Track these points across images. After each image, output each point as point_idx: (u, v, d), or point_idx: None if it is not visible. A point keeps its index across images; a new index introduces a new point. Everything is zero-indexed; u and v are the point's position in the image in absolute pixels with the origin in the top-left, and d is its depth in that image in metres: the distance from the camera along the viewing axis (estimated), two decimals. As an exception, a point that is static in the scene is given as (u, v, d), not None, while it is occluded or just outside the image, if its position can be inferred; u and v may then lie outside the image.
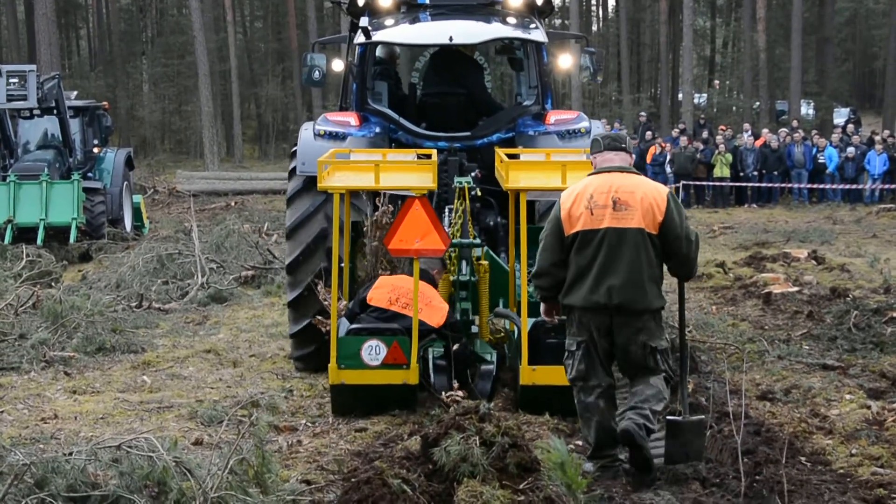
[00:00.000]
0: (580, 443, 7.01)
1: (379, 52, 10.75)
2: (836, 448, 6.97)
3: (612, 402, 6.52)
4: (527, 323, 7.79)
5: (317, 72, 11.28)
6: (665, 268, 6.62)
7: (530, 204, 8.80)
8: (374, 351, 7.84)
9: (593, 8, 61.64)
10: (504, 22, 10.26)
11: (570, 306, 6.52)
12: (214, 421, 7.85)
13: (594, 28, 58.82)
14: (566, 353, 6.61)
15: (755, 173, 27.74)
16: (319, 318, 8.73)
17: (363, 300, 8.39)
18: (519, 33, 10.33)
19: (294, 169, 9.57)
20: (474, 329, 8.71)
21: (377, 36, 10.02)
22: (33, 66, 20.17)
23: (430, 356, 8.31)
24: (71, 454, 5.29)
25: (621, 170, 6.56)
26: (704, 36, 57.31)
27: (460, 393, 7.79)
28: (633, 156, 7.08)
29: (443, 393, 7.86)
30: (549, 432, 7.16)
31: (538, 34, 10.16)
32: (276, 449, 7.04)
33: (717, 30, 57.77)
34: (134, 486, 5.09)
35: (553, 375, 7.46)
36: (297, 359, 9.73)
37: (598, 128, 10.05)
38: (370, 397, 7.91)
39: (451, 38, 9.88)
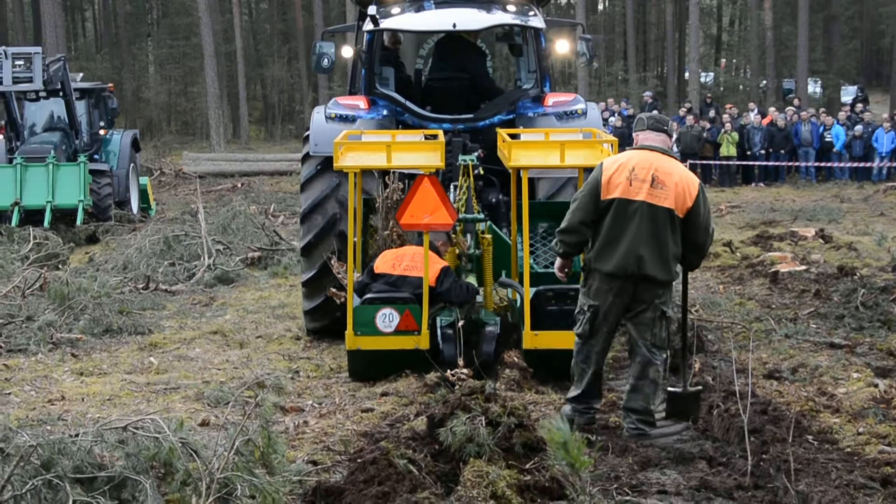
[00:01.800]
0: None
1: (385, 39, 11.11)
2: (843, 427, 6.96)
3: (602, 364, 7.14)
4: (529, 291, 8.21)
5: (326, 59, 11.69)
6: None
7: (531, 181, 9.23)
8: (387, 318, 8.39)
9: (599, -13, 61.34)
10: (504, 10, 10.81)
11: (597, 270, 6.88)
12: (221, 402, 7.88)
13: (600, 7, 58.58)
14: (578, 309, 7.05)
15: (762, 152, 27.62)
16: (334, 290, 9.13)
17: (371, 270, 8.89)
18: (518, 20, 10.81)
19: (307, 154, 10.06)
20: (479, 299, 9.02)
21: (385, 23, 10.53)
22: (39, 49, 20.20)
23: (439, 324, 8.65)
24: (77, 435, 5.29)
25: (662, 151, 6.94)
26: (711, 14, 57.04)
27: (465, 371, 7.85)
28: (673, 138, 7.37)
29: (448, 371, 7.93)
30: (554, 412, 7.17)
31: (536, 21, 10.69)
32: (282, 430, 7.07)
33: (724, 8, 57.56)
34: (140, 467, 5.09)
35: (554, 340, 7.98)
36: (311, 330, 10.23)
37: (594, 110, 10.57)
38: (384, 362, 8.42)
39: (454, 25, 10.51)
